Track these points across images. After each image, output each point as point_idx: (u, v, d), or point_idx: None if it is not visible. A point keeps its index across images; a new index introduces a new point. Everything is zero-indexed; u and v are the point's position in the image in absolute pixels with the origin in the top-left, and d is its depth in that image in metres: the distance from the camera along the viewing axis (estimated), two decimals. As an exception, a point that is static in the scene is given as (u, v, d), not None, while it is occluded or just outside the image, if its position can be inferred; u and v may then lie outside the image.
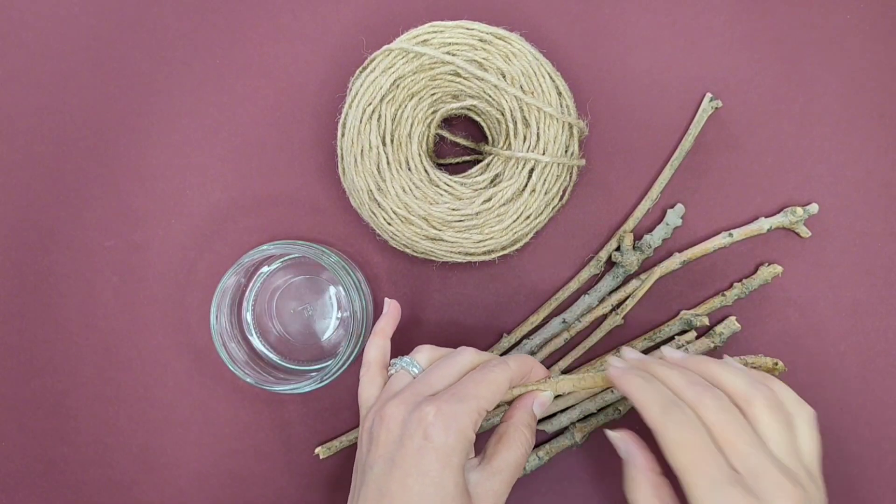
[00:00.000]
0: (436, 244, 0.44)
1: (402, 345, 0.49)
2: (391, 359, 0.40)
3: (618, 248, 0.47)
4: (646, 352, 0.48)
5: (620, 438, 0.38)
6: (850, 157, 0.48)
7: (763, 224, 0.47)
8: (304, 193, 0.49)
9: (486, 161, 0.45)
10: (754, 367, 0.41)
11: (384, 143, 0.44)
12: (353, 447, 0.48)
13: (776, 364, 0.42)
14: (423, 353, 0.40)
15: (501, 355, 0.48)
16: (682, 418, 0.34)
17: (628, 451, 0.37)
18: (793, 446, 0.34)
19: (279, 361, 0.48)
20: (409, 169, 0.44)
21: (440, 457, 0.34)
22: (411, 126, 0.44)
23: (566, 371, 0.48)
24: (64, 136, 0.49)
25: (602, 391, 0.47)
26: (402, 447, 0.34)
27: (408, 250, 0.45)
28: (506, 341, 0.48)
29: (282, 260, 0.48)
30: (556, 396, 0.48)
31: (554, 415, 0.47)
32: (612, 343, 0.48)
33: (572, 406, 0.47)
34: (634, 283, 0.47)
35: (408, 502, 0.33)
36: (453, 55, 0.43)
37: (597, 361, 0.48)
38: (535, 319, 0.48)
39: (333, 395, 0.48)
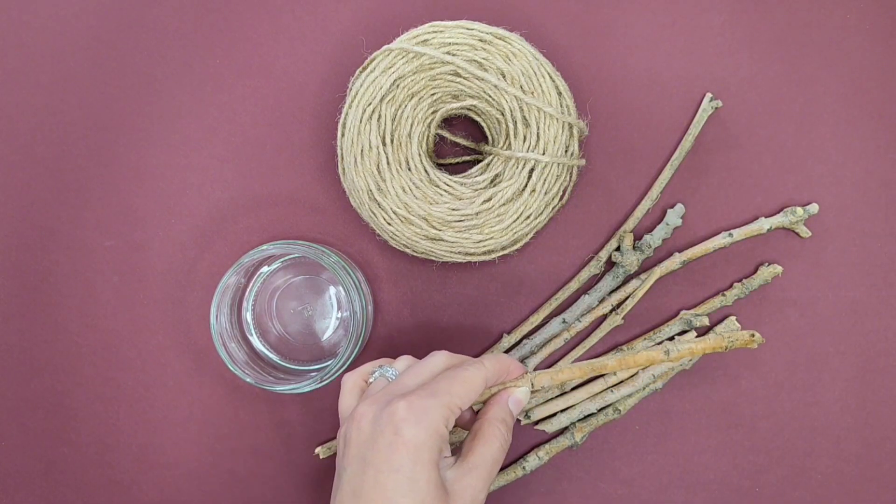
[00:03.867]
0: (436, 244, 0.44)
1: (402, 344, 0.49)
2: (372, 367, 0.40)
3: (618, 248, 0.47)
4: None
5: None
6: (850, 157, 0.48)
7: (763, 224, 0.47)
8: (304, 193, 0.49)
9: (486, 161, 0.45)
10: (732, 340, 0.40)
11: (384, 143, 0.44)
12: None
13: (753, 336, 0.40)
14: (402, 361, 0.40)
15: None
16: None
17: None
18: None
19: (279, 361, 0.48)
20: (409, 169, 0.44)
21: (411, 452, 0.33)
22: (411, 126, 0.44)
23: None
24: (64, 136, 0.49)
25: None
26: (374, 445, 0.34)
27: (408, 250, 0.45)
28: (506, 341, 0.48)
29: (282, 260, 0.48)
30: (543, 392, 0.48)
31: (554, 415, 0.47)
32: (612, 343, 0.48)
33: (572, 406, 0.47)
34: (634, 283, 0.47)
35: (382, 500, 0.33)
36: (453, 55, 0.43)
37: (597, 361, 0.48)
38: (535, 319, 0.48)
39: (333, 395, 0.48)
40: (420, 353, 0.48)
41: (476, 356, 0.48)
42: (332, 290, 0.48)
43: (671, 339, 0.47)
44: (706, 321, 0.47)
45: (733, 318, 0.47)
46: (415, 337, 0.49)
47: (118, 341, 0.49)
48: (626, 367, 0.39)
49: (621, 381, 0.47)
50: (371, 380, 0.39)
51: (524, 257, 0.48)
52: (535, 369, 0.48)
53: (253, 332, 0.48)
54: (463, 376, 0.36)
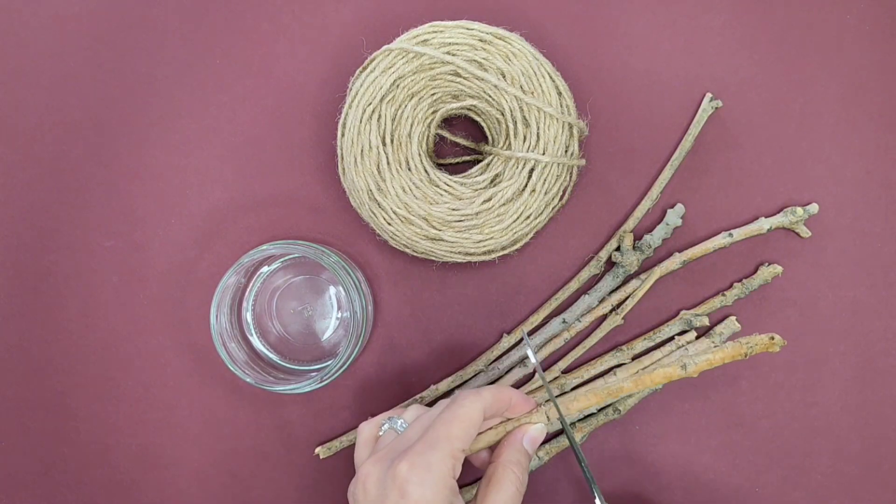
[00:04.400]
0: (436, 244, 0.44)
1: (402, 345, 0.49)
2: (383, 418, 0.39)
3: (618, 248, 0.47)
4: (646, 352, 0.48)
5: None
6: (850, 157, 0.48)
7: (763, 224, 0.47)
8: (304, 193, 0.49)
9: (486, 161, 0.45)
10: (752, 346, 0.38)
11: (384, 143, 0.44)
12: (352, 447, 0.48)
13: (773, 339, 0.38)
14: (412, 411, 0.39)
15: (503, 354, 0.48)
16: None
17: None
18: None
19: (279, 361, 0.48)
20: (409, 169, 0.44)
21: None
22: (411, 126, 0.44)
23: (566, 371, 0.48)
24: (64, 136, 0.49)
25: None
26: None
27: (408, 250, 0.45)
28: (506, 341, 0.48)
29: (282, 260, 0.48)
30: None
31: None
32: (612, 343, 0.48)
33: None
34: (634, 283, 0.47)
35: None
36: (453, 55, 0.43)
37: (596, 361, 0.48)
38: (535, 319, 0.48)
39: (333, 395, 0.48)
40: (420, 353, 0.48)
41: (476, 357, 0.48)
42: (332, 290, 0.48)
43: (671, 339, 0.47)
44: (706, 321, 0.47)
45: (733, 318, 0.47)
46: (415, 337, 0.49)
47: (118, 341, 0.49)
48: (642, 387, 0.38)
49: (621, 381, 0.47)
50: (380, 432, 0.38)
51: (524, 257, 0.48)
52: (535, 370, 0.48)
53: (253, 332, 0.48)
54: (458, 414, 0.34)
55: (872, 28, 0.48)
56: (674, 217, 0.47)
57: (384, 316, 0.49)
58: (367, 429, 0.39)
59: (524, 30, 0.47)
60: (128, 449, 0.49)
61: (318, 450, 0.47)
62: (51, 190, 0.49)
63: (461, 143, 0.48)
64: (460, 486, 0.36)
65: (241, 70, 0.49)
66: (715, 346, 0.39)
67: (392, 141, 0.44)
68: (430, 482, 0.32)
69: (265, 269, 0.48)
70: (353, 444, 0.48)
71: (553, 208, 0.45)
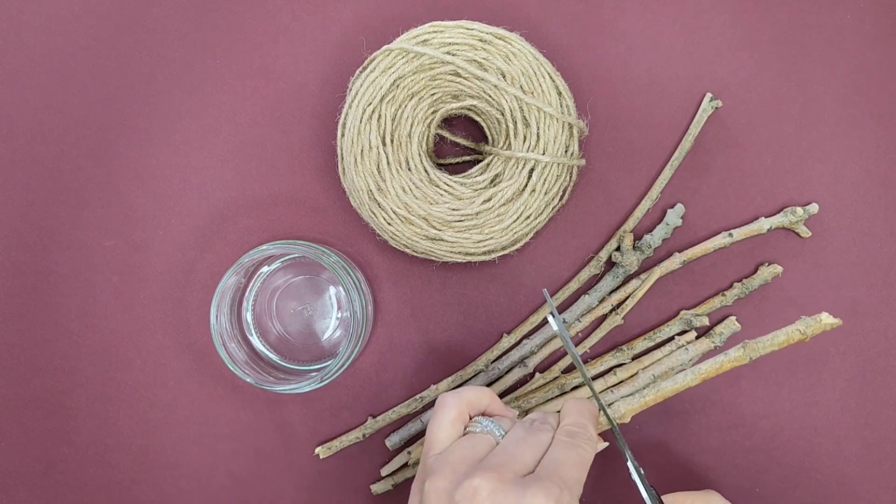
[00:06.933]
0: (436, 244, 0.44)
1: (402, 344, 0.49)
2: (475, 418, 0.38)
3: (618, 248, 0.47)
4: (646, 352, 0.48)
5: None
6: (850, 157, 0.48)
7: (763, 224, 0.47)
8: (304, 193, 0.49)
9: (486, 161, 0.45)
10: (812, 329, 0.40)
11: (384, 143, 0.44)
12: (352, 447, 0.48)
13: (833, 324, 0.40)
14: (507, 421, 0.38)
15: (503, 354, 0.48)
16: None
17: None
18: None
19: (279, 361, 0.48)
20: (409, 169, 0.44)
21: None
22: (411, 126, 0.44)
23: (566, 371, 0.48)
24: (64, 136, 0.49)
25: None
26: None
27: (408, 250, 0.45)
28: (506, 341, 0.48)
29: (282, 260, 0.48)
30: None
31: (554, 415, 0.47)
32: (612, 343, 0.48)
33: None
34: (634, 283, 0.47)
35: None
36: (453, 55, 0.43)
37: (596, 361, 0.48)
38: (535, 319, 0.48)
39: (333, 395, 0.48)
40: (420, 353, 0.48)
41: (476, 357, 0.48)
42: (332, 290, 0.48)
43: (671, 339, 0.47)
44: (706, 321, 0.47)
45: (733, 318, 0.47)
46: (415, 337, 0.49)
47: (118, 341, 0.49)
48: (707, 377, 0.42)
49: (621, 382, 0.47)
50: (476, 429, 0.37)
51: (524, 257, 0.48)
52: (535, 370, 0.48)
53: (253, 332, 0.48)
54: (585, 460, 0.35)
55: (872, 28, 0.48)
56: (674, 217, 0.47)
57: (384, 316, 0.49)
58: (456, 407, 0.38)
59: (524, 30, 0.47)
60: (128, 449, 0.49)
61: (318, 450, 0.47)
62: (51, 190, 0.49)
63: (461, 143, 0.48)
64: None
65: (241, 70, 0.49)
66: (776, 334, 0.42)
67: (392, 141, 0.44)
68: None
69: (265, 269, 0.48)
70: (353, 444, 0.48)
71: (553, 208, 0.45)
